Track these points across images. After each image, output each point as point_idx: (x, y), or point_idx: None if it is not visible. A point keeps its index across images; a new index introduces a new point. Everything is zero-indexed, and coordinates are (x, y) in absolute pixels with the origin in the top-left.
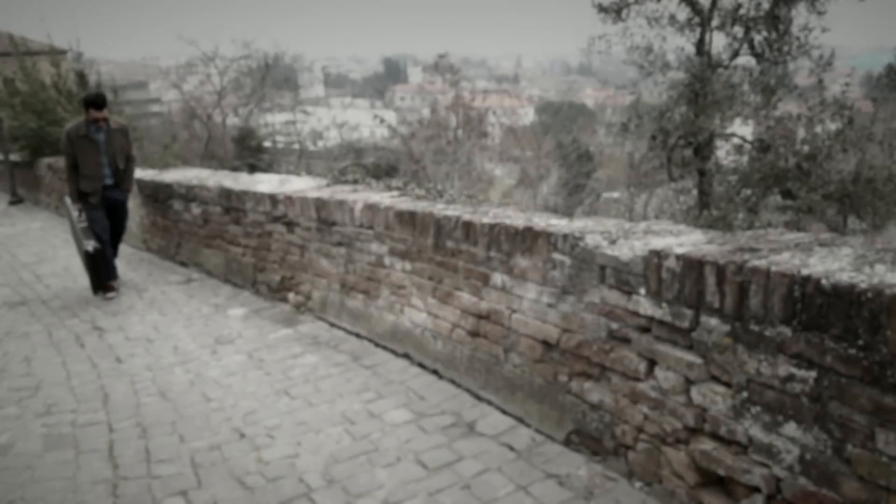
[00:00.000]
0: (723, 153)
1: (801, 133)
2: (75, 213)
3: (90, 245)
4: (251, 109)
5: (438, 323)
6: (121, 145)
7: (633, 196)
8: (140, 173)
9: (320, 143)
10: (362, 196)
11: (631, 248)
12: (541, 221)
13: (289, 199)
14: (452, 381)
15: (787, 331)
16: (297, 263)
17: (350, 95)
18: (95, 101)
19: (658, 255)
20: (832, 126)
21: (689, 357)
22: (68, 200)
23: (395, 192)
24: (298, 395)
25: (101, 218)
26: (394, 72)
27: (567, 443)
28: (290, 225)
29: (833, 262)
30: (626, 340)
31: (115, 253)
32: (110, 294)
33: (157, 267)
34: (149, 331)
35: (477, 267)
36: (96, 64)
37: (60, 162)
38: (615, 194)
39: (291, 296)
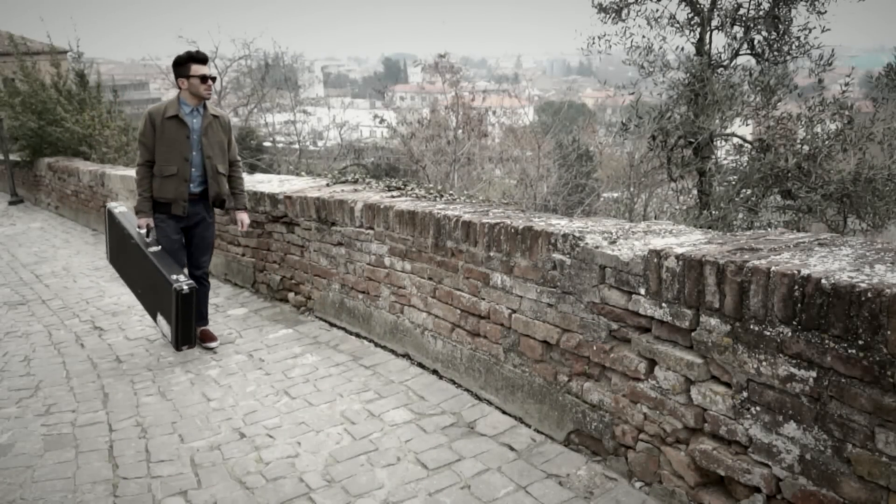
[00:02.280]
0: (723, 153)
1: (801, 133)
2: (139, 232)
3: (183, 283)
4: (251, 109)
5: (438, 323)
6: (219, 140)
7: (633, 196)
8: None
9: (320, 143)
10: (362, 196)
11: (631, 248)
12: (541, 221)
13: (289, 199)
14: (452, 381)
15: (787, 331)
16: (297, 263)
17: (350, 95)
18: (197, 55)
19: (658, 255)
20: (832, 126)
21: (689, 357)
22: (118, 209)
23: (395, 192)
24: (298, 395)
25: (178, 241)
26: (394, 72)
27: (567, 443)
28: (290, 225)
29: (833, 262)
30: (626, 340)
31: (200, 302)
32: (213, 343)
33: None
34: (149, 331)
35: (477, 267)
36: (96, 64)
37: (61, 162)
38: (615, 194)
39: (291, 296)
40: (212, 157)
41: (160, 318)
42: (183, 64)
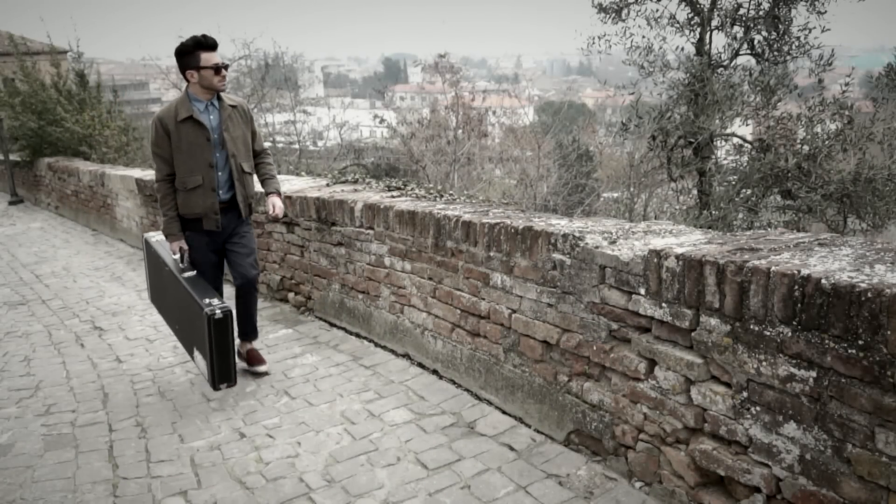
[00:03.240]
0: (723, 153)
1: (801, 133)
2: (173, 257)
3: (217, 307)
4: (251, 109)
5: (438, 323)
6: (241, 134)
7: (633, 196)
8: (140, 174)
9: (320, 143)
10: (362, 196)
11: (631, 248)
12: (541, 221)
13: (288, 199)
14: (452, 381)
15: (787, 331)
16: (296, 263)
17: (350, 95)
18: (205, 41)
19: (658, 255)
20: (832, 126)
21: (689, 357)
22: (154, 238)
23: (395, 192)
24: (298, 394)
25: (212, 260)
26: (394, 72)
27: (567, 443)
28: (290, 225)
29: (833, 262)
30: (626, 340)
31: (250, 313)
32: (261, 367)
33: None
34: (149, 331)
35: (477, 267)
36: (96, 64)
37: (61, 162)
38: (615, 194)
39: (291, 296)
40: (236, 156)
41: (196, 353)
42: (190, 53)
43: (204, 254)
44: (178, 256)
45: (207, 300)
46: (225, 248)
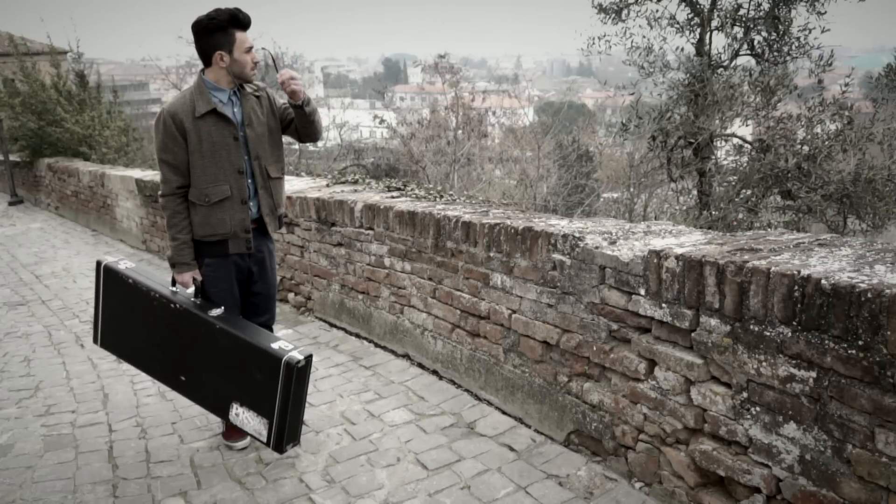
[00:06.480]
0: (723, 153)
1: (800, 133)
2: (171, 289)
3: (293, 350)
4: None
5: (438, 323)
6: (266, 129)
7: (633, 196)
8: (140, 174)
9: (320, 144)
10: (362, 196)
11: (631, 248)
12: (541, 222)
13: (288, 200)
14: (452, 382)
15: (787, 331)
16: (296, 264)
17: (350, 96)
18: (241, 17)
19: (658, 256)
20: (832, 126)
21: (689, 357)
22: (121, 265)
23: (394, 193)
24: None
25: (236, 296)
26: (393, 72)
27: (567, 443)
28: (290, 225)
29: (833, 263)
30: (626, 341)
31: None
32: (240, 443)
33: (157, 268)
34: None
35: (477, 267)
36: (96, 64)
37: (61, 162)
38: (615, 195)
39: (291, 296)
40: (261, 158)
41: (239, 409)
42: (222, 30)
43: (230, 287)
44: (190, 291)
45: (275, 344)
46: (248, 284)
